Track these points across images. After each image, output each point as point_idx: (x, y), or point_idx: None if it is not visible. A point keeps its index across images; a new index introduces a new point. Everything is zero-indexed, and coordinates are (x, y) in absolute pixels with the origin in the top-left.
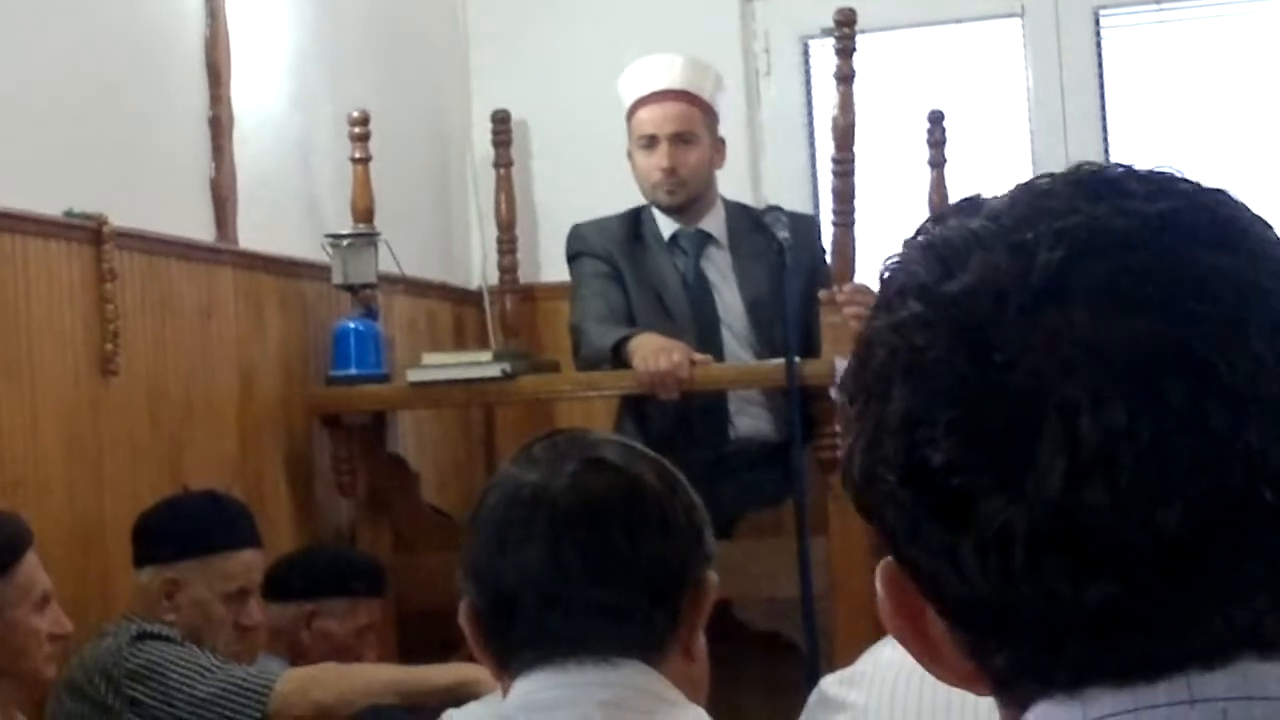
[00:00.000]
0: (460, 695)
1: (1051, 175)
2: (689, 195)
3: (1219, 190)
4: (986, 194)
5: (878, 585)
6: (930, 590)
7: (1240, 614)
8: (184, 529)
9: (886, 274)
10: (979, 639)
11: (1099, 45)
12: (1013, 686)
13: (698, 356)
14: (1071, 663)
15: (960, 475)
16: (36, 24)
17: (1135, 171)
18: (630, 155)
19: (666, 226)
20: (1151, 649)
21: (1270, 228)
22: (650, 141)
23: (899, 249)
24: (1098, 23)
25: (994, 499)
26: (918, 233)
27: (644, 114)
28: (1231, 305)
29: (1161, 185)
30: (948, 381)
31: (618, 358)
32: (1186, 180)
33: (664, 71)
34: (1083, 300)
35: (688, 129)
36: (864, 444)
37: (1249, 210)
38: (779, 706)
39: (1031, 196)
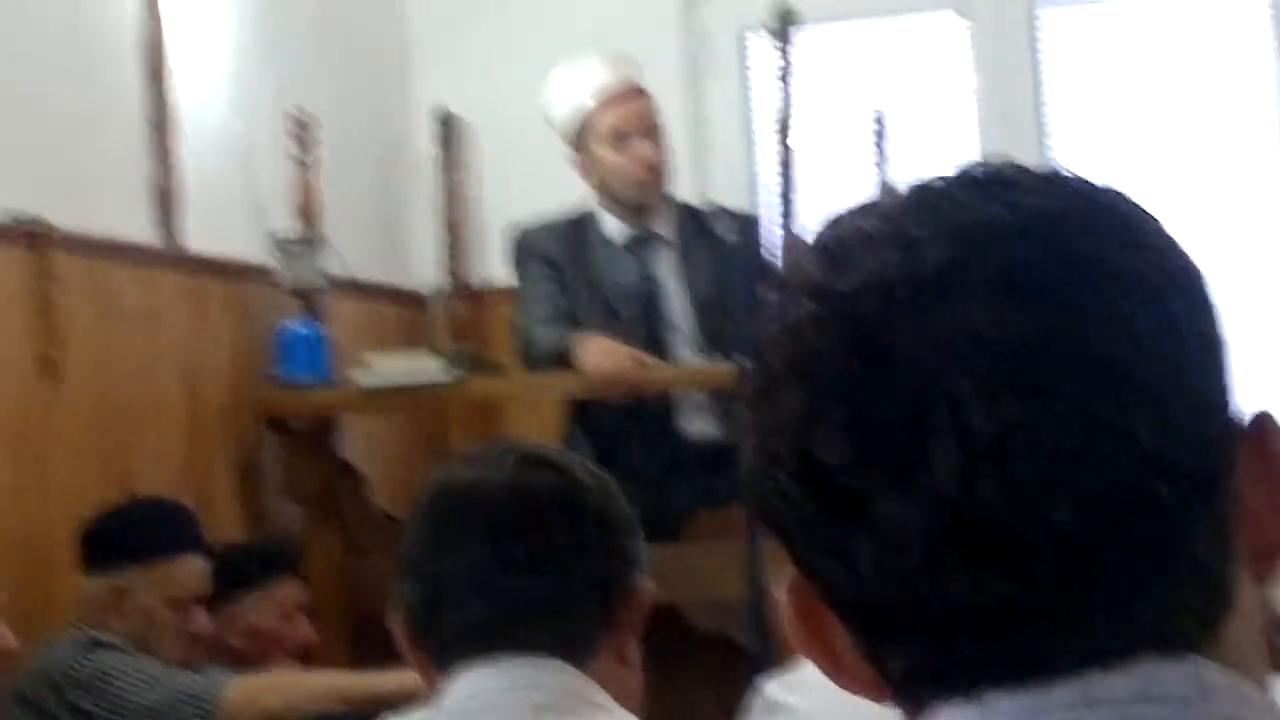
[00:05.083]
0: (406, 701)
1: (943, 175)
2: (661, 195)
3: (1110, 188)
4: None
5: (779, 594)
6: (828, 594)
7: (1138, 612)
8: (131, 536)
9: (782, 276)
10: (876, 643)
11: (1037, 38)
12: (910, 691)
13: (645, 359)
14: (967, 664)
15: (853, 474)
16: None
17: (1027, 170)
18: (584, 157)
19: (616, 228)
20: (1048, 649)
21: (1161, 224)
22: (623, 139)
23: (796, 253)
24: (1035, 15)
25: (888, 497)
26: (814, 236)
27: (613, 113)
28: (1119, 299)
29: (1052, 182)
30: (839, 379)
31: (564, 362)
32: (1079, 178)
33: (619, 70)
34: (972, 295)
35: (658, 124)
36: (759, 446)
37: (1140, 207)
38: (728, 708)
39: (923, 195)
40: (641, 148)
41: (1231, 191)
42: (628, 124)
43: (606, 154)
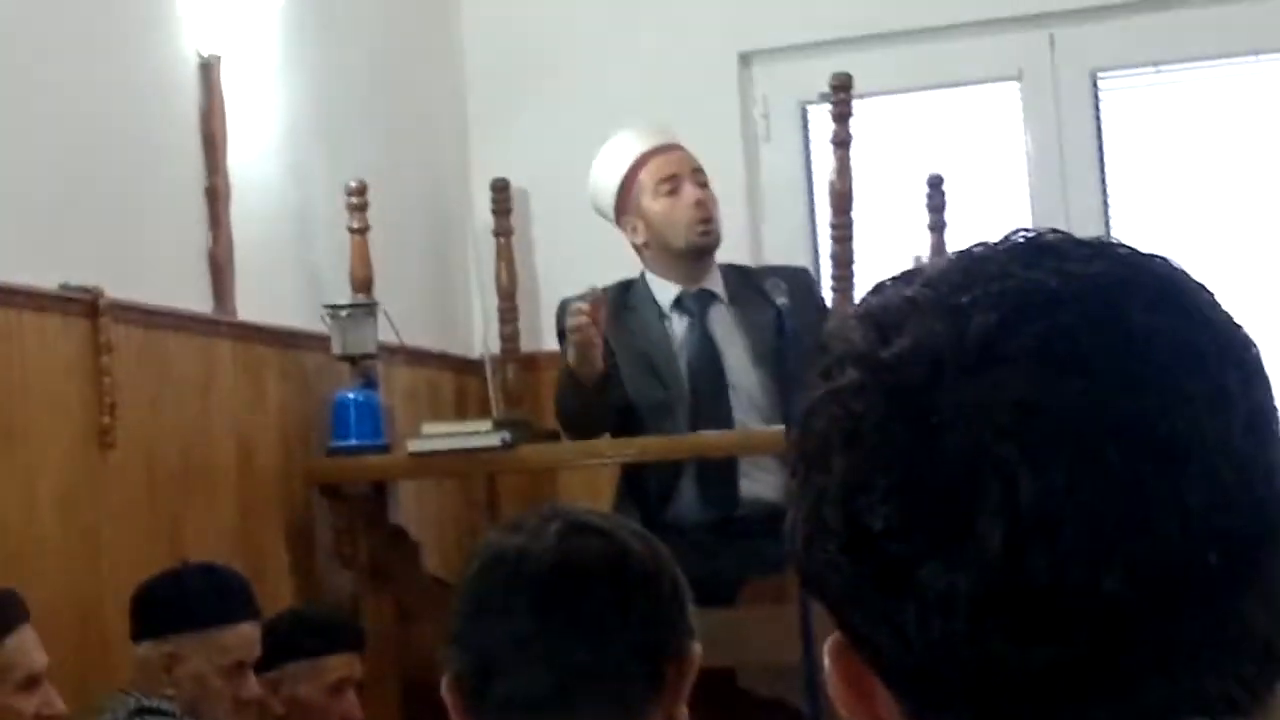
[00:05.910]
0: None
1: (988, 243)
2: (716, 239)
3: (1159, 256)
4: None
5: (826, 661)
6: (874, 660)
7: (1186, 679)
8: (183, 602)
9: (826, 343)
10: (922, 708)
11: (1097, 107)
12: None
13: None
14: None
15: (900, 541)
16: (31, 96)
17: (1072, 237)
18: (634, 219)
19: (667, 290)
20: (1095, 714)
21: (1208, 291)
22: (673, 184)
23: (839, 322)
24: (1095, 85)
25: (934, 564)
26: (858, 303)
27: (655, 164)
28: (1168, 366)
29: (1098, 249)
30: (885, 447)
31: (576, 390)
32: (1126, 246)
33: (658, 131)
34: (1018, 362)
35: (701, 169)
36: (805, 513)
37: (1190, 276)
38: None
39: (967, 263)
40: (691, 189)
41: None
42: (674, 170)
43: (656, 204)
